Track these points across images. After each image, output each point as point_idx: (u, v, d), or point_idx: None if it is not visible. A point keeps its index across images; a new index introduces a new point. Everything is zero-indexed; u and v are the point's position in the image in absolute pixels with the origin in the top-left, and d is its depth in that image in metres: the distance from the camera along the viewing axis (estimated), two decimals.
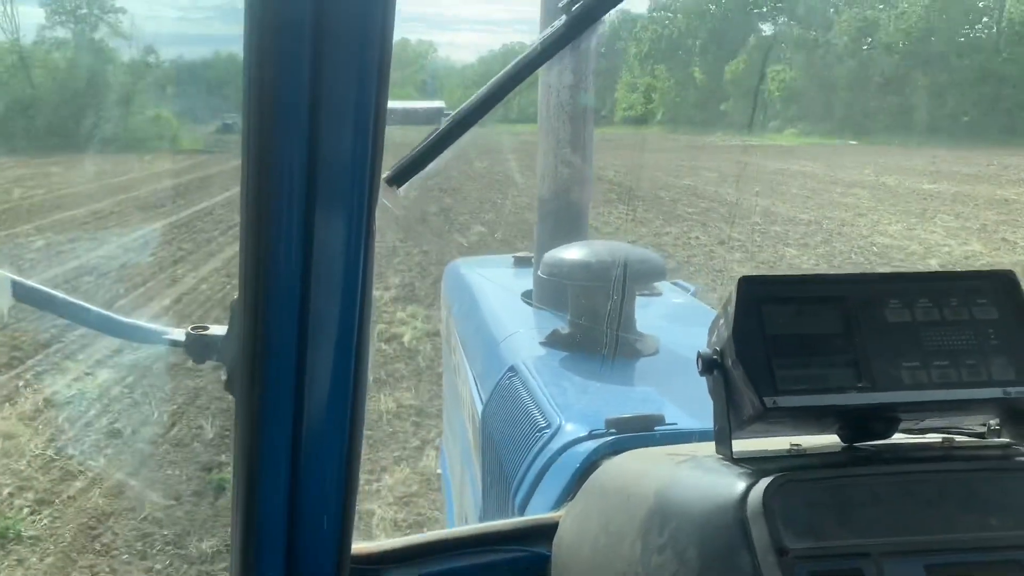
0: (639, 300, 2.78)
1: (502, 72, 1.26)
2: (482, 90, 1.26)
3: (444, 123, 1.21)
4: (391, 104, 1.09)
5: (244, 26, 0.96)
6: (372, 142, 1.06)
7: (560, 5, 1.20)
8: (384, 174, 1.16)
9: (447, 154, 1.22)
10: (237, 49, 0.98)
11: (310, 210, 1.05)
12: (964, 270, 1.22)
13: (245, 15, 0.95)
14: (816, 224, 17.08)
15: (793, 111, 45.44)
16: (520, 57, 1.23)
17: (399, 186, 1.17)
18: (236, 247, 1.07)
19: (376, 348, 8.74)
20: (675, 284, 3.56)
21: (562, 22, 1.19)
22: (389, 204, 1.15)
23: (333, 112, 1.03)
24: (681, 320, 2.94)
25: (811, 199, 20.80)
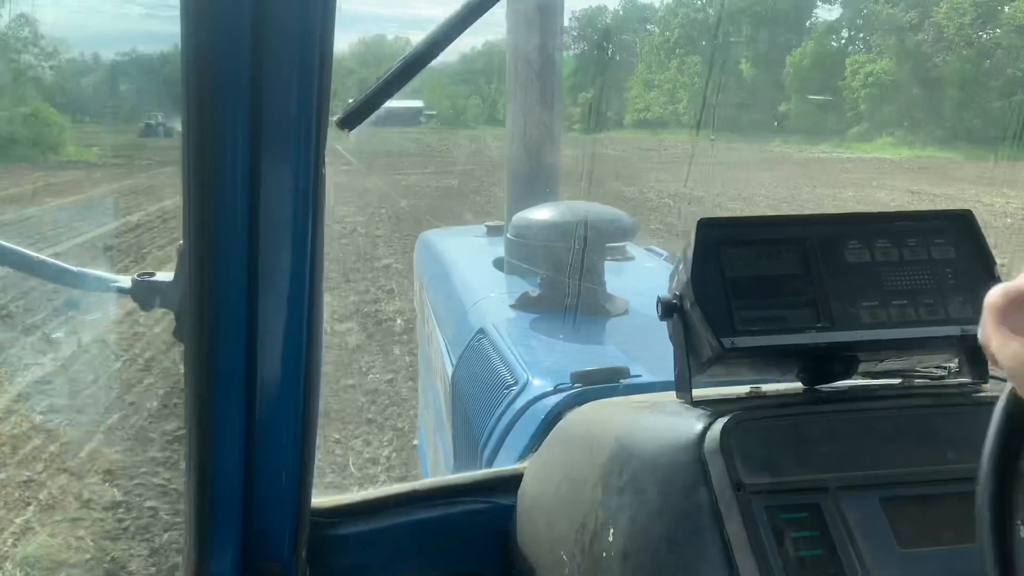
0: (611, 265, 2.76)
1: (452, 14, 1.23)
2: (431, 33, 1.23)
3: (395, 65, 1.18)
4: None
5: None
6: (319, 84, 1.03)
7: None
8: (334, 117, 1.13)
9: (398, 96, 1.20)
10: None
11: (256, 153, 1.02)
12: (923, 210, 1.21)
13: None
14: None
15: (886, 113, 34.76)
16: None
17: (350, 129, 1.15)
18: None
19: None
20: (648, 250, 3.56)
21: None
22: (340, 148, 1.13)
23: (279, 52, 1.00)
24: (651, 283, 2.93)
25: None
